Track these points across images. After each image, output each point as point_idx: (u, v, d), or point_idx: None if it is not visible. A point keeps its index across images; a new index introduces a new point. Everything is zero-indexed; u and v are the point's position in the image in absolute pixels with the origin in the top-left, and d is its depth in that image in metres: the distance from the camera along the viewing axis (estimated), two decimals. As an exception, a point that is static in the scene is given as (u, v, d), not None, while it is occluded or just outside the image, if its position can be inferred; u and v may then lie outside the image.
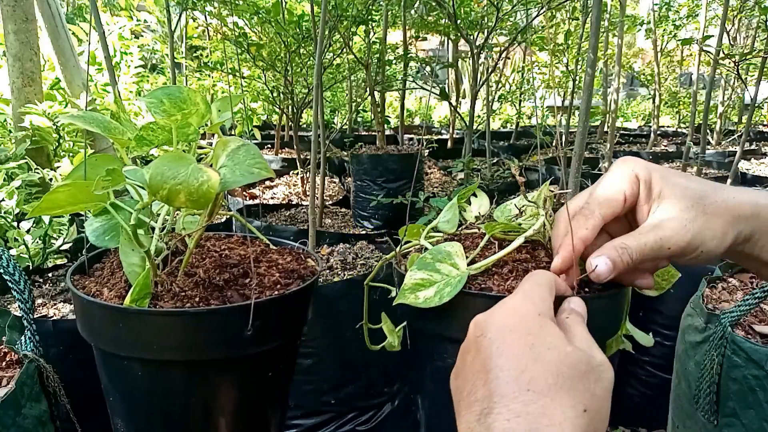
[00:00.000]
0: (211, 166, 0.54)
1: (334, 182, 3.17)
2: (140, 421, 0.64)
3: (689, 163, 3.07)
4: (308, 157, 2.45)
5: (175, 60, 2.44)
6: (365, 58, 2.50)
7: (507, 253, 0.61)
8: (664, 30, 3.97)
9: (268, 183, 3.00)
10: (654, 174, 0.50)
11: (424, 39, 2.88)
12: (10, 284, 0.83)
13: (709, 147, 3.96)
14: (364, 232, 2.25)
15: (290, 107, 2.60)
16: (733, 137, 4.26)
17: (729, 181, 2.09)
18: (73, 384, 0.87)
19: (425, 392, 0.71)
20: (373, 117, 3.43)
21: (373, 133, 3.92)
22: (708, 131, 3.59)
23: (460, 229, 0.75)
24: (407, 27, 2.70)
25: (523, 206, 0.67)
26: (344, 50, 2.37)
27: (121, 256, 0.60)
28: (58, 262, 1.57)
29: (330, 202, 2.65)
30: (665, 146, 4.62)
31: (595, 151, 4.02)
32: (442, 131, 5.28)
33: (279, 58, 2.32)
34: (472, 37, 2.33)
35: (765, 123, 5.88)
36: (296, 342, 0.73)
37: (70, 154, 2.08)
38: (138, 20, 3.93)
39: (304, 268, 0.71)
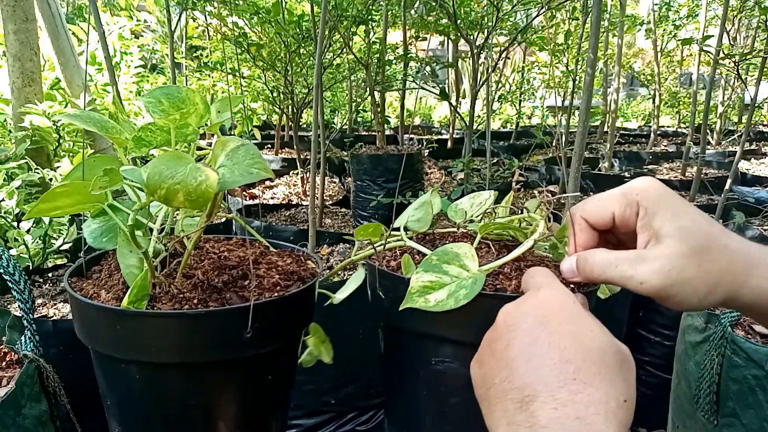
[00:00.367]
0: (210, 166, 0.54)
1: (334, 182, 3.16)
2: (137, 424, 0.64)
3: (689, 163, 3.07)
4: (308, 157, 2.45)
5: (175, 60, 2.44)
6: (365, 58, 2.50)
7: (520, 254, 0.60)
8: (664, 30, 3.97)
9: (268, 183, 3.00)
10: (662, 206, 0.46)
11: (424, 39, 2.88)
12: (10, 284, 0.83)
13: (709, 147, 3.96)
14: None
15: (290, 107, 2.60)
16: (733, 137, 4.25)
17: (729, 181, 2.09)
18: (73, 384, 0.86)
19: (413, 399, 0.68)
20: (373, 117, 3.43)
21: (373, 133, 3.92)
22: (708, 131, 3.59)
23: (433, 228, 0.73)
24: (407, 27, 2.70)
25: (487, 208, 0.67)
26: (344, 50, 2.37)
27: (119, 257, 0.59)
28: (58, 262, 1.57)
29: (330, 202, 2.65)
30: (665, 146, 4.62)
31: (595, 151, 4.02)
32: (442, 131, 5.28)
33: (279, 58, 2.32)
34: (472, 37, 2.32)
35: (765, 123, 5.88)
36: (297, 344, 0.73)
37: (70, 154, 2.08)
38: (138, 20, 3.93)
39: (304, 270, 0.71)
